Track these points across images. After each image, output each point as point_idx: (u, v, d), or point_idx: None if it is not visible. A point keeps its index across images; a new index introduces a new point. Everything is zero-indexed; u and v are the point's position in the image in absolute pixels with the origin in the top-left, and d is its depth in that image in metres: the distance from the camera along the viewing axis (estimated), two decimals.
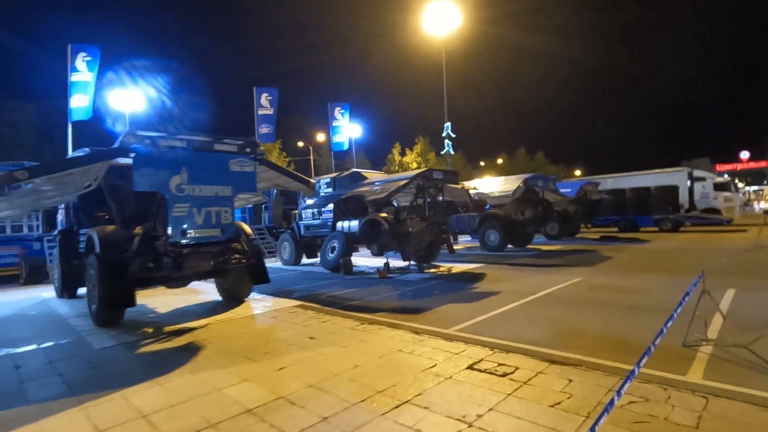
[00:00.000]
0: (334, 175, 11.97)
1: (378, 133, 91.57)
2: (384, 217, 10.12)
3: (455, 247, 16.80)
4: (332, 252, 10.79)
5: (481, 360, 3.72)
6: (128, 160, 5.42)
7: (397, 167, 44.37)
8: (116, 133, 17.35)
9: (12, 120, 29.84)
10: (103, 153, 5.60)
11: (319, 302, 6.85)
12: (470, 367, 3.57)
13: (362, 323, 5.31)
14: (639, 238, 17.39)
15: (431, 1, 26.53)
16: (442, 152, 35.63)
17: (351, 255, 10.73)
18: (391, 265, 10.17)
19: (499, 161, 57.64)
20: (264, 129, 18.18)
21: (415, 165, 43.59)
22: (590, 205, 18.56)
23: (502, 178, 14.62)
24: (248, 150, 6.34)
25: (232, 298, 7.23)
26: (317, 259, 12.08)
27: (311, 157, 39.79)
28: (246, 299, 7.24)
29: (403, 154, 49.02)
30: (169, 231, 5.53)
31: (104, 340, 4.97)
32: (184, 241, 5.68)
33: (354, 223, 10.84)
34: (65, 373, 3.86)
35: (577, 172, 61.65)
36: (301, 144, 40.79)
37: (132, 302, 5.55)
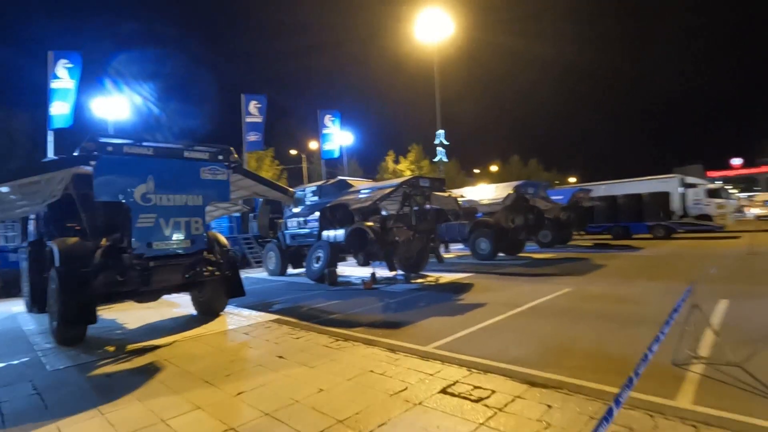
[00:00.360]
0: (320, 183, 11.72)
1: (371, 141, 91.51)
2: (370, 226, 9.86)
3: (446, 255, 16.56)
4: (317, 262, 10.50)
5: (456, 382, 3.44)
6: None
7: (390, 175, 44.24)
8: None
9: (5, 128, 29.34)
10: (64, 161, 5.31)
11: (297, 316, 6.55)
12: (443, 391, 3.29)
13: (337, 340, 5.02)
14: (632, 245, 17.21)
15: (423, 8, 26.50)
16: (435, 160, 35.56)
17: (336, 265, 10.43)
18: (378, 276, 9.89)
19: (494, 168, 57.69)
20: (252, 137, 17.92)
21: (408, 173, 43.44)
22: (582, 212, 18.41)
23: (493, 185, 14.42)
24: (221, 157, 6.07)
25: (207, 312, 6.91)
26: (304, 269, 11.76)
27: (303, 165, 39.52)
28: (222, 313, 6.93)
29: (396, 161, 48.95)
30: (134, 243, 5.24)
31: (59, 361, 4.64)
32: (150, 254, 5.38)
33: (340, 233, 10.57)
34: (5, 401, 3.54)
35: (572, 179, 61.82)
36: (294, 152, 40.54)
37: (92, 319, 5.22)
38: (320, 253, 10.51)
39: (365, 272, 10.70)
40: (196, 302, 7.05)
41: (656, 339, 2.64)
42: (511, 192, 13.06)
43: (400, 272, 10.40)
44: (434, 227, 10.57)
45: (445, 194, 11.48)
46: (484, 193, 13.72)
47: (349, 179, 11.83)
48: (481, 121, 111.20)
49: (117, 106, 16.32)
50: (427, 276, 10.65)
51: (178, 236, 5.61)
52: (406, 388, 3.38)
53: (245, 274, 13.15)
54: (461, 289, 8.40)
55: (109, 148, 5.07)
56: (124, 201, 5.17)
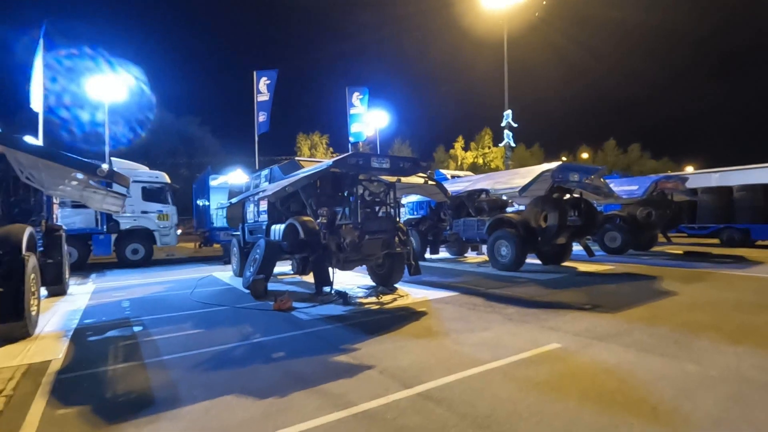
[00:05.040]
0: (273, 166, 9.40)
1: (437, 124, 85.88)
2: (304, 222, 7.30)
3: (471, 260, 13.18)
4: (253, 266, 8.22)
5: None
6: None
7: (453, 165, 40.29)
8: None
9: None
10: None
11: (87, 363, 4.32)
12: None
13: None
14: (746, 257, 12.06)
15: None
16: (501, 144, 31.21)
17: (271, 273, 8.02)
18: (341, 291, 7.31)
19: (584, 156, 50.04)
20: (261, 117, 16.25)
21: (472, 160, 39.31)
22: (672, 208, 13.53)
23: (517, 169, 10.68)
24: None
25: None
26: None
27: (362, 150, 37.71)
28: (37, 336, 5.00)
29: (466, 148, 44.67)
30: None
31: None
32: None
33: (280, 229, 8.17)
34: None
35: (689, 169, 51.33)
36: (352, 139, 38.90)
37: None
38: (257, 255, 8.21)
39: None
40: None
41: None
42: (542, 177, 9.30)
43: (339, 289, 7.69)
44: (398, 227, 7.58)
45: (428, 181, 8.39)
46: (501, 179, 10.09)
47: (301, 160, 9.30)
48: (573, 101, 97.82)
49: (114, 87, 15.75)
50: (395, 291, 7.79)
51: None
52: None
53: (221, 273, 11.40)
54: (390, 325, 5.45)
55: None
56: None
